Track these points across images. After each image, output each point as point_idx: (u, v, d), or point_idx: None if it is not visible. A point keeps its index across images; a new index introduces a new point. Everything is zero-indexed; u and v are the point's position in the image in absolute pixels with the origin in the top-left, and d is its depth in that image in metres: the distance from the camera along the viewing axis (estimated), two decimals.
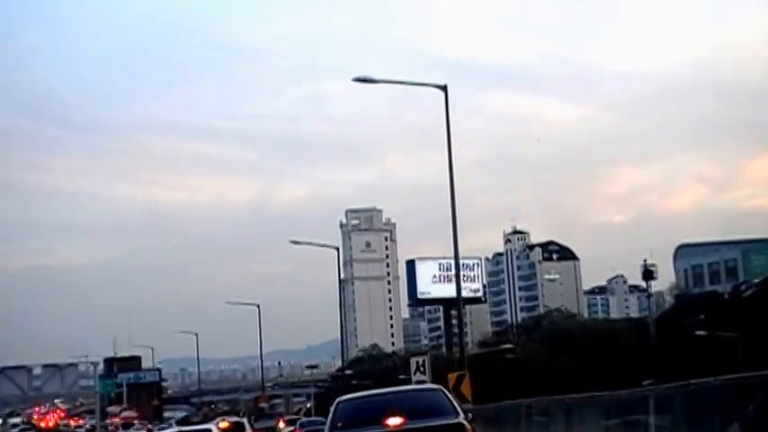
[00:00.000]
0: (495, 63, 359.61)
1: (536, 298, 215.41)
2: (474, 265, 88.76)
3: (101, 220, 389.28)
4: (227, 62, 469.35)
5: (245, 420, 48.95)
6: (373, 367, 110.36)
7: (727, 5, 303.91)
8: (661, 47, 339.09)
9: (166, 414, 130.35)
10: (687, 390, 14.67)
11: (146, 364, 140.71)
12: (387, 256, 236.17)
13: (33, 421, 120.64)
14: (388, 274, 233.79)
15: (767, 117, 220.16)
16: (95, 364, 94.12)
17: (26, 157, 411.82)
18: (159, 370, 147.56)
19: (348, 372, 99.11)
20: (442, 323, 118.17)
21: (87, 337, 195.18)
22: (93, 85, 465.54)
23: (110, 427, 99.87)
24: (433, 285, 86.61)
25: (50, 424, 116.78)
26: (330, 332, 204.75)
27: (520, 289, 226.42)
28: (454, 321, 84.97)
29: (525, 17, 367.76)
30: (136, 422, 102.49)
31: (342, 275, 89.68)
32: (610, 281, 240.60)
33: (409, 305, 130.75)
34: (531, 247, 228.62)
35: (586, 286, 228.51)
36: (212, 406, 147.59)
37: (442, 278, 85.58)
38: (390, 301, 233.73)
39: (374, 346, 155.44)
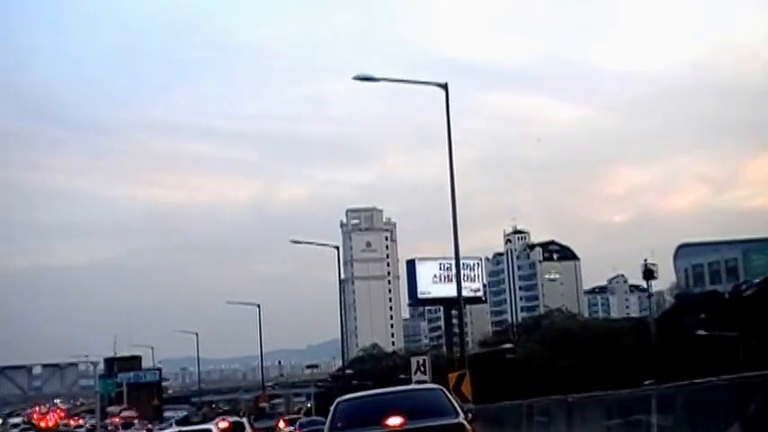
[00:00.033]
0: (495, 63, 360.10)
1: (536, 298, 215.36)
2: (474, 264, 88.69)
3: (101, 220, 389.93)
4: (227, 62, 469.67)
5: (244, 420, 48.87)
6: (374, 367, 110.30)
7: (727, 5, 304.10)
8: (661, 47, 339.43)
9: (167, 414, 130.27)
10: (690, 389, 14.57)
11: (146, 363, 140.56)
12: (387, 256, 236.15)
13: (33, 421, 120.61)
14: (389, 273, 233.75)
15: (767, 117, 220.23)
16: (95, 364, 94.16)
17: (26, 156, 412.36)
18: (159, 370, 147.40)
19: (348, 371, 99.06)
20: (442, 323, 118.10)
21: (87, 337, 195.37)
22: (94, 85, 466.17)
23: (110, 427, 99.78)
24: (433, 285, 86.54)
25: (50, 424, 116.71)
26: (330, 332, 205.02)
27: (520, 289, 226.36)
28: (455, 321, 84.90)
29: (525, 17, 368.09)
30: (136, 422, 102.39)
31: (342, 275, 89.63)
32: (610, 281, 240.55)
33: (409, 305, 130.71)
34: (532, 246, 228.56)
35: (587, 286, 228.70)
36: (213, 406, 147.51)
37: (442, 278, 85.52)
38: (391, 300, 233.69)
39: (374, 345, 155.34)
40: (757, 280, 67.86)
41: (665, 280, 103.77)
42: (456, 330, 77.23)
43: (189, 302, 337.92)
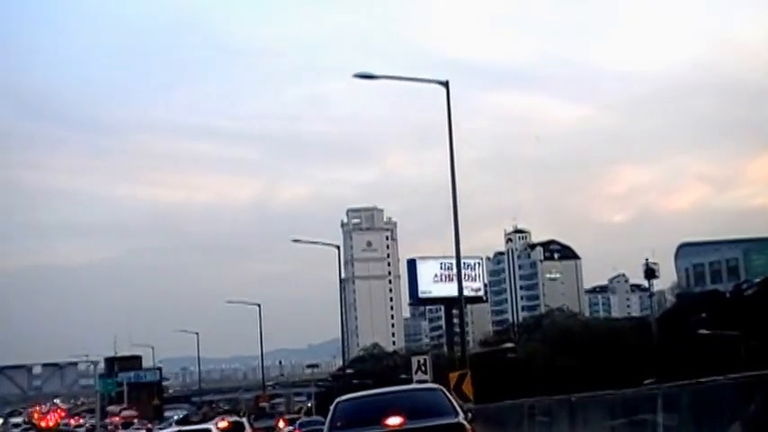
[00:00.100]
0: (496, 63, 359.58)
1: (537, 297, 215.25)
2: (475, 264, 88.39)
3: (101, 220, 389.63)
4: (227, 62, 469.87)
5: (244, 420, 48.74)
6: (374, 366, 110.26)
7: (727, 5, 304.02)
8: (661, 47, 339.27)
9: (167, 414, 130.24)
10: (695, 388, 14.40)
11: (146, 363, 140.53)
12: (388, 256, 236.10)
13: (34, 420, 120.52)
14: (389, 273, 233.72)
15: (767, 116, 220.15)
16: (95, 364, 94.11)
17: (26, 156, 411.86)
18: (160, 369, 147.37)
19: (349, 371, 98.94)
20: (443, 322, 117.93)
21: (88, 337, 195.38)
22: (94, 85, 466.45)
23: (109, 427, 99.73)
24: (434, 285, 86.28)
25: (51, 423, 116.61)
26: (331, 331, 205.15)
27: (521, 288, 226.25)
28: (455, 321, 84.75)
29: (525, 17, 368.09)
30: (135, 421, 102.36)
31: (343, 275, 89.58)
32: (611, 280, 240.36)
33: (410, 304, 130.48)
34: (533, 246, 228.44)
35: (587, 285, 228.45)
36: (213, 405, 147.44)
37: (443, 277, 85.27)
38: (391, 300, 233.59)
39: (375, 345, 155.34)
40: (758, 279, 67.83)
41: (666, 279, 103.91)
42: (457, 330, 77.08)
43: (189, 302, 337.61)
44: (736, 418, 12.84)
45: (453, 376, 30.63)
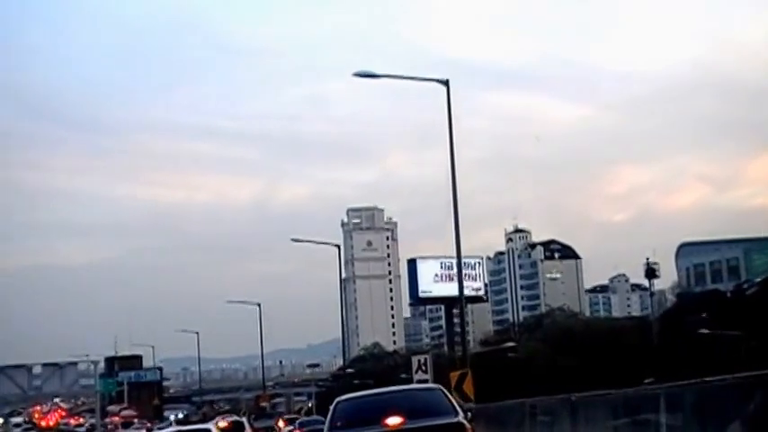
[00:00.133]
0: (496, 63, 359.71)
1: (538, 297, 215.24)
2: (475, 263, 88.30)
3: (102, 220, 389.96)
4: (227, 62, 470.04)
5: (244, 420, 48.65)
6: (375, 366, 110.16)
7: (727, 5, 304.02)
8: (661, 47, 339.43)
9: (167, 413, 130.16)
10: (699, 388, 14.29)
11: (147, 363, 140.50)
12: (388, 255, 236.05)
13: (34, 420, 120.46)
14: (390, 272, 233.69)
15: (767, 116, 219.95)
16: (95, 363, 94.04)
17: (26, 156, 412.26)
18: (160, 369, 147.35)
19: (349, 371, 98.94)
20: (443, 322, 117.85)
21: (88, 336, 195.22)
22: (94, 85, 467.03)
23: (109, 426, 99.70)
24: (434, 284, 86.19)
25: (51, 423, 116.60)
26: (331, 331, 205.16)
27: (521, 288, 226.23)
28: (456, 320, 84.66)
29: (525, 17, 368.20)
30: (135, 421, 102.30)
31: (343, 274, 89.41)
32: (611, 280, 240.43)
33: (410, 304, 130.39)
34: (533, 245, 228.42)
35: (588, 285, 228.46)
36: (214, 405, 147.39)
37: (443, 277, 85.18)
38: (392, 299, 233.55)
39: (375, 344, 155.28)
40: (759, 279, 67.64)
41: (667, 279, 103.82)
42: (457, 329, 76.97)
43: (190, 302, 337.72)
44: (739, 418, 12.75)
45: (454, 376, 30.58)
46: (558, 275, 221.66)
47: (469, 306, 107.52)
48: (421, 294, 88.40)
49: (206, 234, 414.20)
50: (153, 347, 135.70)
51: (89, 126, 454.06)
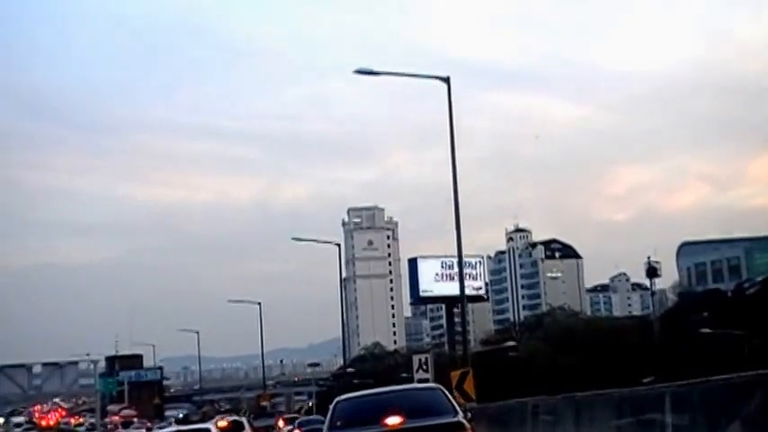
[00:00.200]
0: (496, 62, 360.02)
1: (538, 296, 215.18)
2: (476, 263, 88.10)
3: (103, 219, 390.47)
4: (227, 62, 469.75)
5: (244, 419, 48.51)
6: (375, 366, 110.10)
7: (727, 5, 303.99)
8: (661, 47, 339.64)
9: (168, 413, 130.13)
10: (706, 387, 14.12)
11: (147, 362, 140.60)
12: (389, 255, 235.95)
13: (35, 420, 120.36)
14: (390, 272, 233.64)
15: (767, 116, 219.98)
16: (96, 363, 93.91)
17: (27, 156, 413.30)
18: (161, 368, 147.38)
19: (350, 370, 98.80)
20: (444, 321, 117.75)
21: (89, 336, 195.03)
22: (94, 85, 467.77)
23: (109, 426, 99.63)
24: (435, 283, 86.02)
25: (51, 423, 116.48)
26: (332, 330, 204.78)
27: (522, 287, 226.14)
28: (457, 319, 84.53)
29: (525, 17, 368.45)
30: (135, 420, 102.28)
31: (344, 274, 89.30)
32: (612, 279, 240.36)
33: (411, 303, 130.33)
34: (534, 245, 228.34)
35: (589, 284, 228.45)
36: (214, 404, 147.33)
37: (444, 276, 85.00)
38: (392, 299, 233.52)
39: (376, 344, 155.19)
40: (760, 278, 67.59)
41: (668, 278, 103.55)
42: (458, 329, 76.85)
43: (190, 301, 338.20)
44: (747, 417, 12.59)
45: (455, 375, 30.50)
46: (559, 275, 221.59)
47: (470, 305, 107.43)
48: (422, 294, 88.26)
49: (206, 234, 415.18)
50: (153, 347, 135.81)
51: (89, 126, 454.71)
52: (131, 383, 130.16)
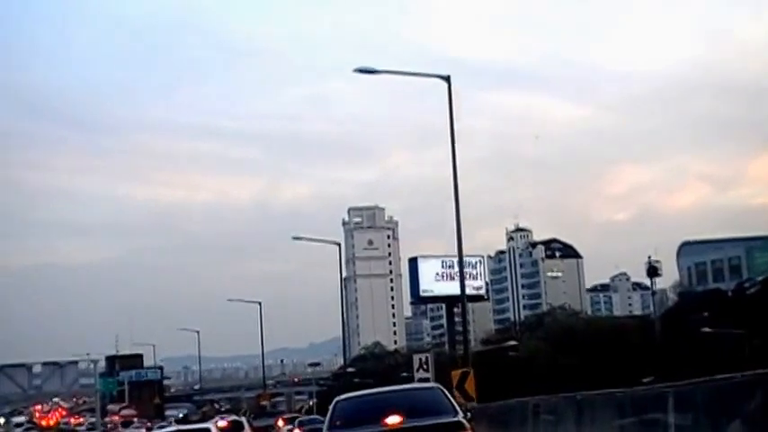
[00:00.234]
0: (496, 62, 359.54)
1: (539, 296, 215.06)
2: (477, 262, 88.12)
3: (103, 219, 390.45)
4: (227, 62, 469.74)
5: (243, 419, 48.50)
6: (375, 365, 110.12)
7: (727, 5, 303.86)
8: (661, 47, 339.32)
9: (168, 413, 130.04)
10: (709, 386, 14.04)
11: (148, 362, 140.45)
12: (389, 254, 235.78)
13: (35, 420, 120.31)
14: (391, 271, 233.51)
15: (767, 116, 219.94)
16: (96, 362, 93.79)
17: (27, 156, 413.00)
18: (161, 368, 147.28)
19: (350, 370, 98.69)
20: (444, 321, 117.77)
21: (89, 336, 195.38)
22: (94, 85, 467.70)
23: (109, 425, 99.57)
24: (435, 283, 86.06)
25: (51, 422, 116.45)
26: (332, 330, 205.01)
27: (523, 287, 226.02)
28: (457, 319, 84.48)
29: (525, 17, 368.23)
30: (135, 420, 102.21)
31: (344, 273, 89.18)
32: (613, 278, 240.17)
33: (412, 303, 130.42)
34: (534, 244, 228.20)
35: (589, 284, 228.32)
36: (215, 404, 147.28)
37: (444, 276, 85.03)
38: (393, 298, 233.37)
39: (376, 343, 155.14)
40: (760, 278, 67.69)
41: (668, 278, 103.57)
42: (458, 328, 76.82)
43: (191, 301, 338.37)
44: (750, 416, 12.51)
45: (456, 374, 30.42)
46: (560, 274, 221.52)
47: (471, 305, 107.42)
48: (422, 293, 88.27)
49: (206, 234, 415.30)
50: (154, 346, 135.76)
51: (89, 126, 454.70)
52: (131, 383, 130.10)
